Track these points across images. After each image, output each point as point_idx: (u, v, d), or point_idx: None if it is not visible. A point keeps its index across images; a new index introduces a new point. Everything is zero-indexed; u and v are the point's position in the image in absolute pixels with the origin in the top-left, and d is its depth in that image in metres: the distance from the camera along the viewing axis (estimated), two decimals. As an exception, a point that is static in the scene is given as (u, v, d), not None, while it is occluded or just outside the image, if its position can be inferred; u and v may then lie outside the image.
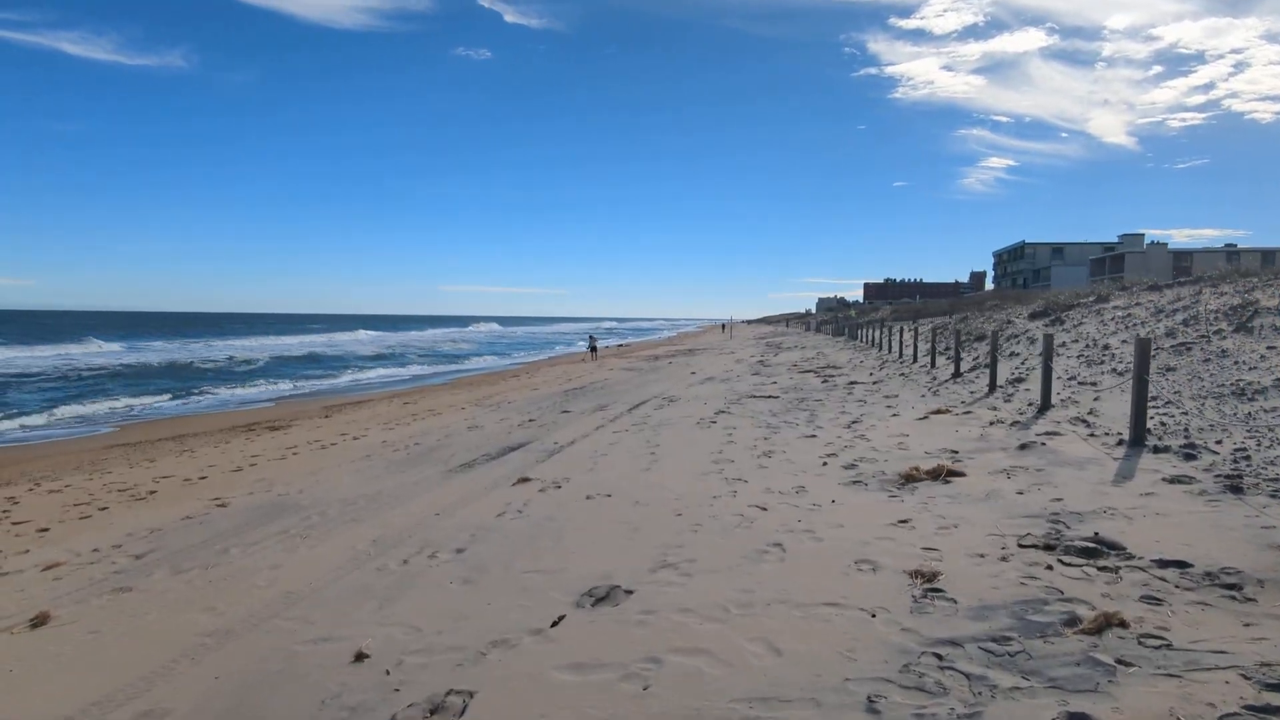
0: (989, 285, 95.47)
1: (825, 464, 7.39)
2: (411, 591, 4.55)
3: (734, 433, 9.83)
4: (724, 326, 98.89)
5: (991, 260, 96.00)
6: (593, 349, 38.74)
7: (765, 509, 5.77)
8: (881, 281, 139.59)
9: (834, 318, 69.41)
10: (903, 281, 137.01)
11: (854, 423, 9.87)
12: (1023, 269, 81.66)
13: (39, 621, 4.57)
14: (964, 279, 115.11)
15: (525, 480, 7.83)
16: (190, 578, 5.30)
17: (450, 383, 29.37)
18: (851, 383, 15.90)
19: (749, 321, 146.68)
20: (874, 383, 15.63)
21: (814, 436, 9.08)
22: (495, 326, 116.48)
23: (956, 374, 14.56)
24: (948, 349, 18.53)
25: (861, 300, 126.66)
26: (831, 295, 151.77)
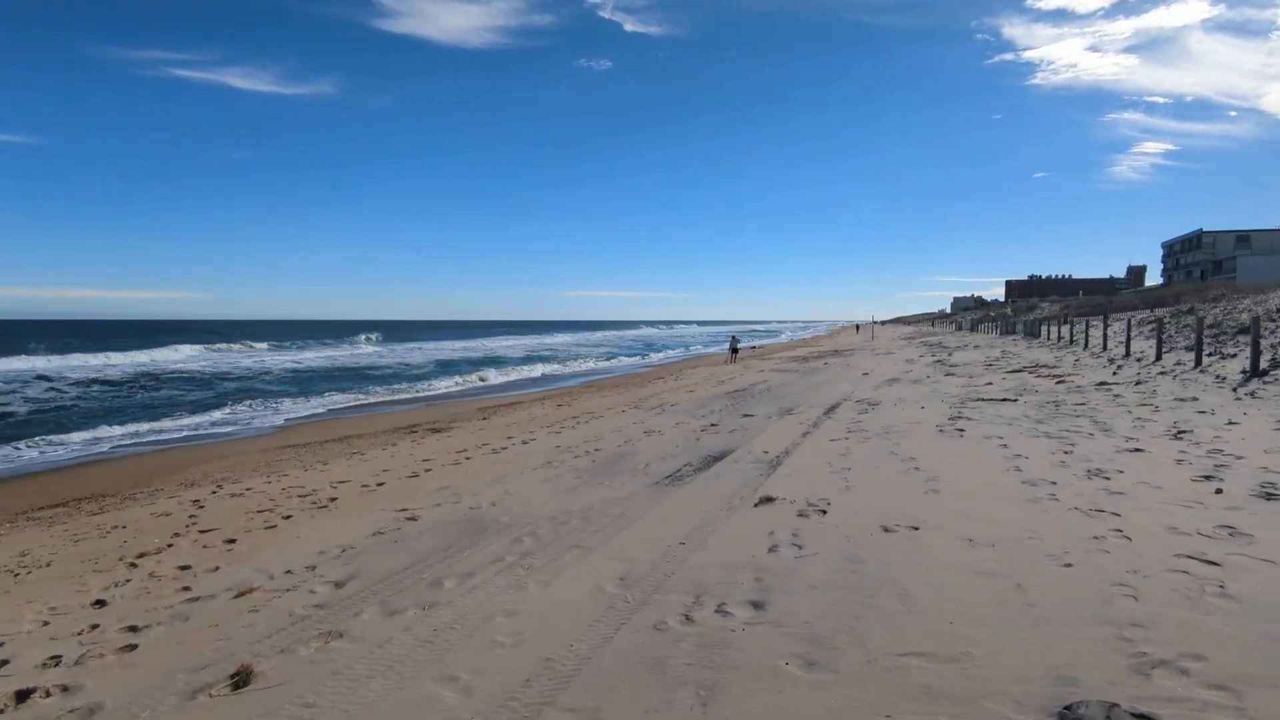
0: (1154, 280, 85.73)
1: (1219, 490, 5.45)
2: (732, 678, 3.17)
3: (1007, 443, 7.97)
4: (858, 327, 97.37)
5: (1160, 252, 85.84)
6: (734, 350, 37.83)
7: (1217, 564, 3.99)
8: (1025, 279, 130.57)
9: (990, 315, 65.37)
10: (1050, 278, 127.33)
11: (1180, 433, 7.74)
12: (1200, 260, 72.28)
13: (241, 679, 3.57)
14: (1119, 274, 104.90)
15: (769, 500, 6.40)
16: (408, 622, 4.20)
17: (590, 384, 28.68)
18: (1100, 384, 13.42)
19: (881, 323, 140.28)
20: (1135, 383, 13.08)
21: (1139, 450, 7.07)
22: (611, 333, 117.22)
23: (1257, 371, 11.81)
24: (1180, 344, 15.52)
25: (1004, 299, 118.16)
26: (968, 295, 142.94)
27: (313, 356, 46.54)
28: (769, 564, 4.63)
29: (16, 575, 6.04)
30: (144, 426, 17.06)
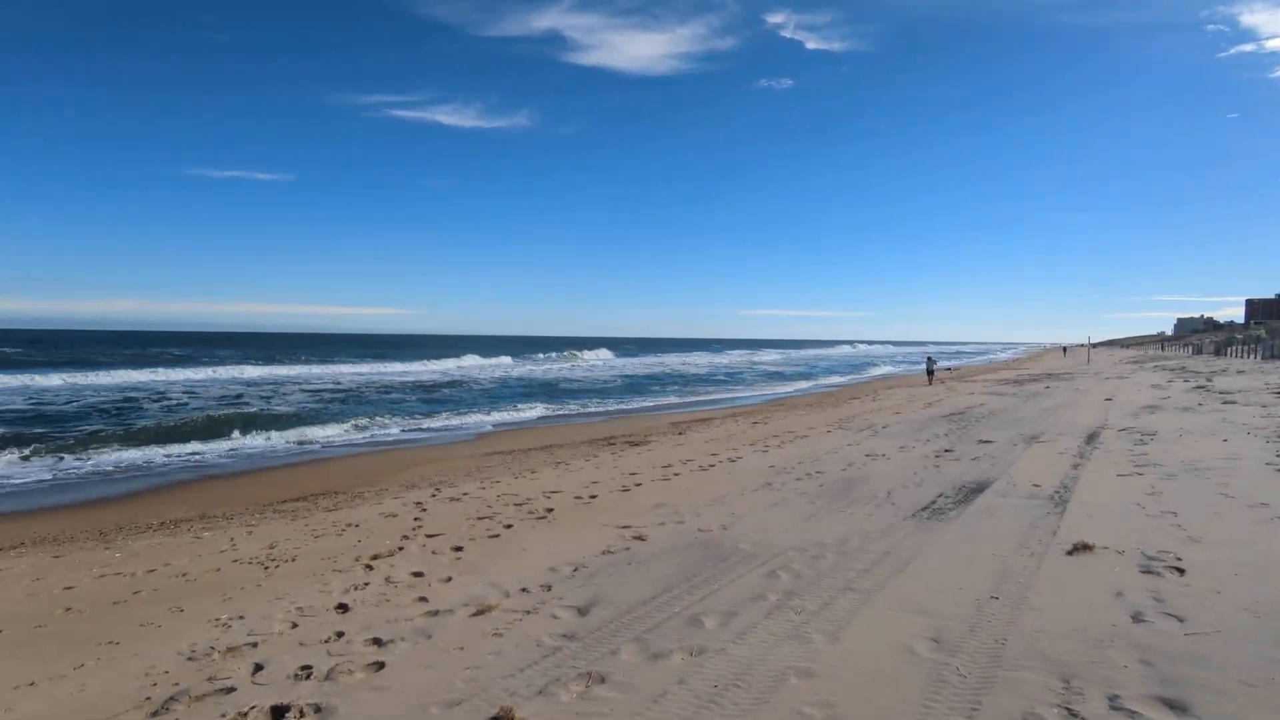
0: None
1: None
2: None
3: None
4: (1065, 350, 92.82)
5: None
6: (930, 371, 35.34)
7: None
8: (1272, 297, 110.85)
9: (1237, 337, 57.01)
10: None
11: None
12: None
13: (500, 726, 3.04)
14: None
15: (1085, 548, 5.14)
16: (679, 671, 3.52)
17: (778, 403, 27.44)
18: None
19: (1094, 345, 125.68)
20: None
21: None
22: (792, 352, 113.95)
23: None
24: None
25: (1245, 319, 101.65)
26: (1196, 315, 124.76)
27: (504, 366, 48.99)
28: (1148, 640, 3.48)
29: (266, 568, 6.11)
30: (361, 424, 18.23)
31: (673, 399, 28.83)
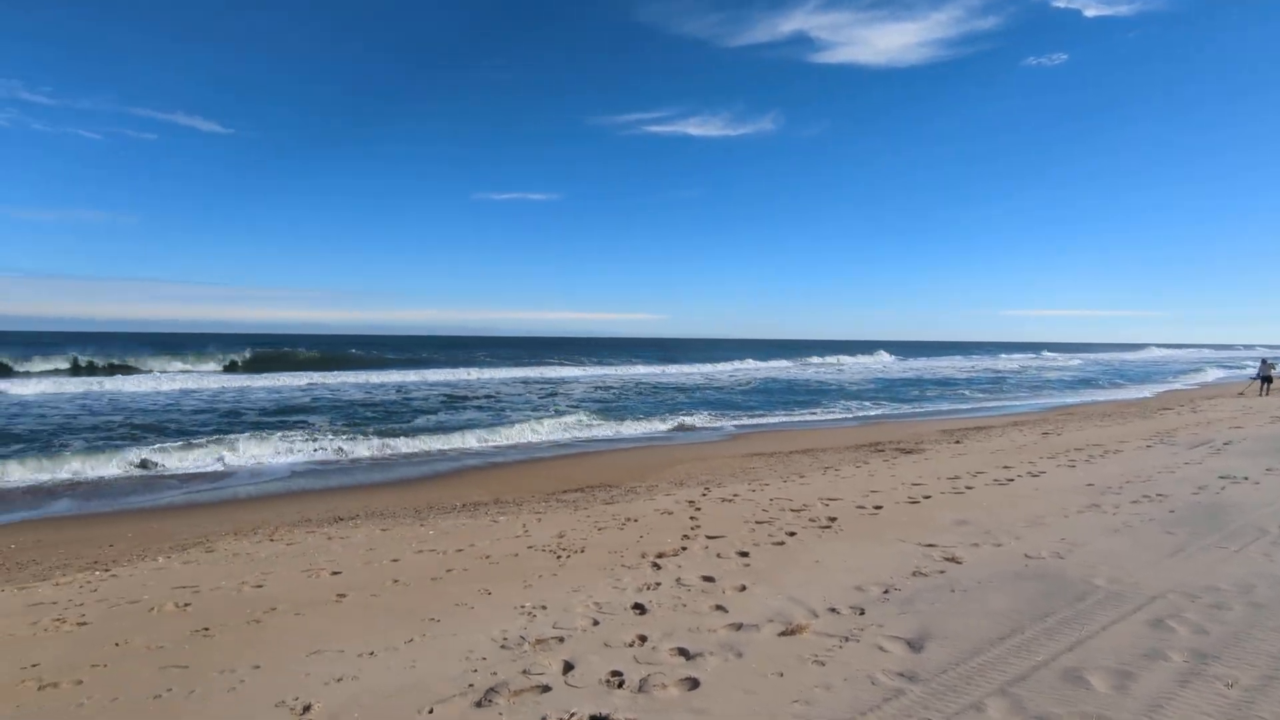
0: None
1: None
2: None
3: None
4: None
5: None
6: (1266, 379, 28.09)
7: None
8: None
9: None
10: None
11: None
12: None
13: (855, 785, 2.46)
14: None
15: None
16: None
17: (1066, 410, 23.82)
18: None
19: None
20: None
21: None
22: (1073, 356, 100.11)
23: None
24: None
25: None
26: None
27: (749, 369, 48.67)
28: None
29: (559, 557, 6.14)
30: (620, 424, 18.77)
31: (942, 405, 26.43)
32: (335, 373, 35.92)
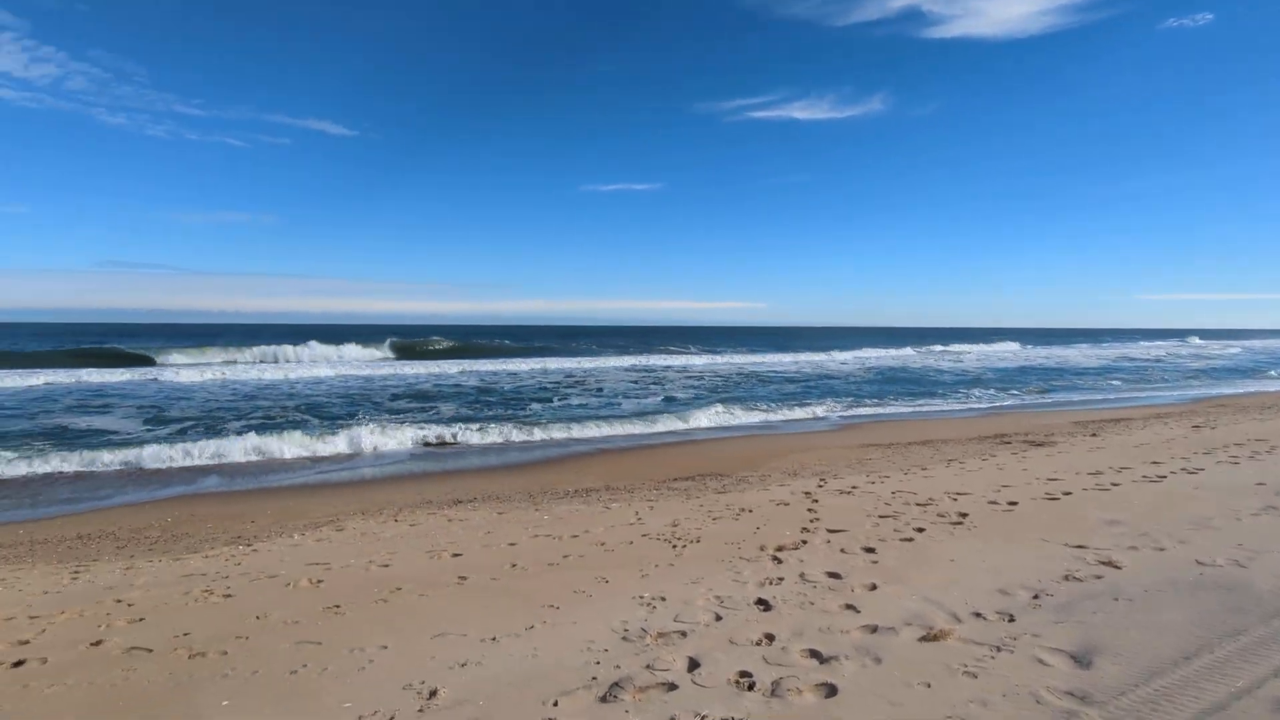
0: None
1: None
2: None
3: None
4: None
5: None
6: None
7: None
8: None
9: None
10: None
11: None
12: None
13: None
14: None
15: None
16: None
17: (1216, 403, 21.54)
18: None
19: None
20: None
21: None
22: (1203, 344, 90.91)
23: None
24: None
25: None
26: None
27: (846, 358, 46.99)
28: None
29: (674, 547, 5.97)
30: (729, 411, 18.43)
31: (1072, 395, 24.57)
32: (457, 361, 37.38)
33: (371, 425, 14.43)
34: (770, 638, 3.82)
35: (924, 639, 3.72)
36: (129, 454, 11.55)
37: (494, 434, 14.34)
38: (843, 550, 5.68)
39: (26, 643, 4.18)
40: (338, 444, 12.97)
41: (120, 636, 4.23)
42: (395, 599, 4.79)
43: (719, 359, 44.78)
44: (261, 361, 36.10)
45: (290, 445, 12.59)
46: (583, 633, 4.00)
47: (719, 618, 4.18)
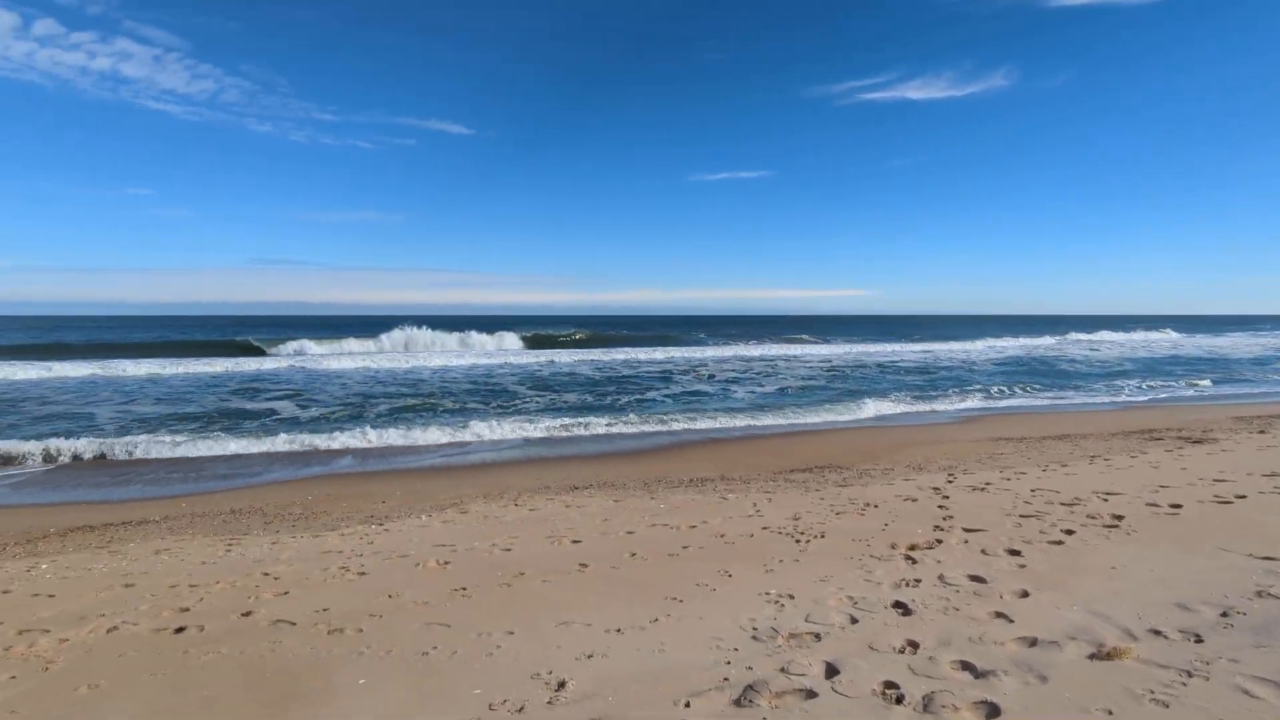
0: None
1: None
2: None
3: None
4: None
5: None
6: None
7: None
8: None
9: None
10: None
11: None
12: None
13: None
14: None
15: None
16: None
17: None
18: None
19: None
20: None
21: None
22: None
23: None
24: None
25: None
26: None
27: (980, 348, 44.29)
28: None
29: (798, 541, 5.68)
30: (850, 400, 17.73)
31: (1238, 389, 22.16)
32: (571, 351, 38.18)
33: (495, 412, 14.84)
34: (914, 645, 3.50)
35: (1094, 657, 3.30)
36: (277, 435, 12.36)
37: (609, 422, 14.40)
38: (983, 552, 5.22)
39: (187, 610, 4.43)
40: (462, 430, 13.38)
41: (267, 609, 4.41)
42: (519, 584, 4.77)
43: (836, 349, 43.39)
44: (395, 349, 38.06)
45: (417, 430, 13.11)
46: (709, 629, 3.82)
47: (854, 620, 3.89)
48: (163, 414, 15.20)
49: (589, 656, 3.50)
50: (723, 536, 5.95)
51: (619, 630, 3.83)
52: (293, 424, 13.99)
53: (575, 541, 5.92)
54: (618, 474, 9.75)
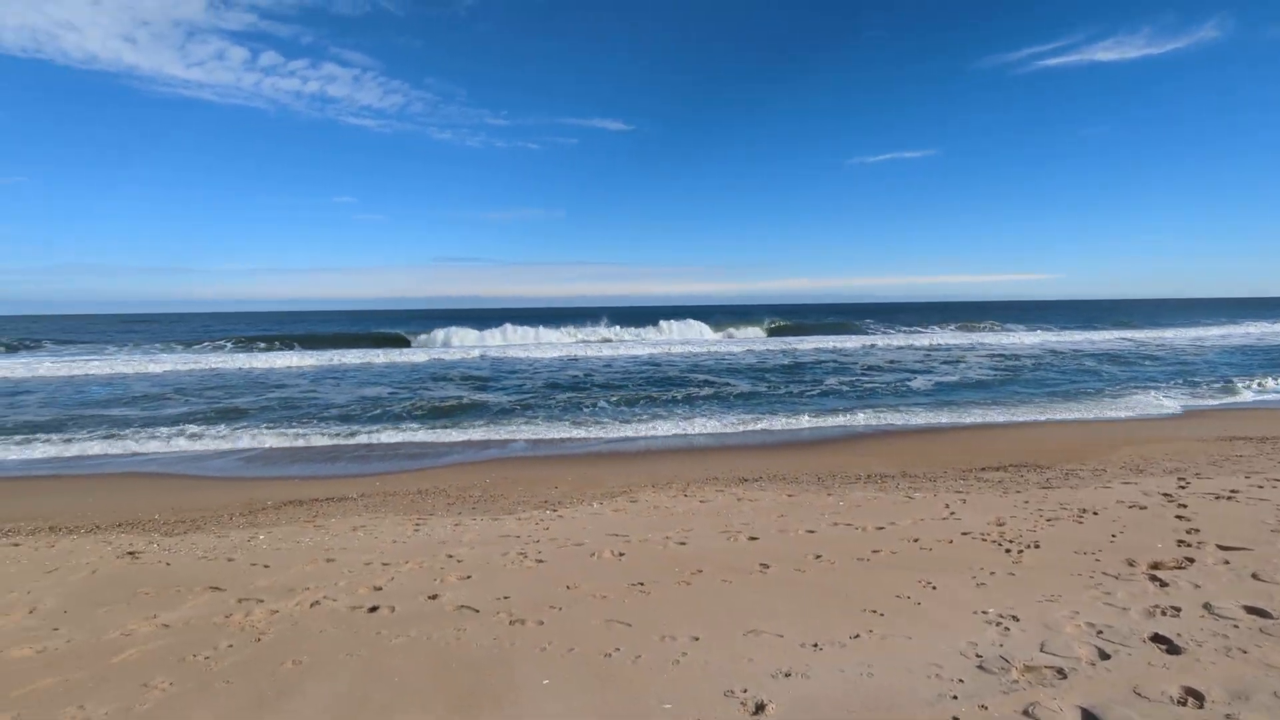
0: None
1: None
2: None
3: None
4: None
5: None
6: None
7: None
8: None
9: None
10: None
11: None
12: None
13: None
14: None
15: None
16: None
17: None
18: None
19: None
20: None
21: None
22: None
23: None
24: None
25: None
26: None
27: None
28: None
29: (1008, 551, 4.94)
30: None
31: None
32: (735, 342, 37.79)
33: (663, 402, 14.75)
34: (1196, 696, 2.79)
35: None
36: (464, 421, 12.98)
37: (775, 412, 13.84)
38: (1255, 576, 4.24)
39: (380, 589, 4.52)
40: (627, 421, 13.37)
41: (452, 592, 4.40)
42: (698, 582, 4.46)
43: (1024, 338, 39.71)
44: (565, 341, 39.50)
45: (582, 418, 13.25)
46: (923, 652, 3.29)
47: (1104, 654, 3.20)
48: (368, 398, 16.51)
49: (786, 675, 3.10)
50: (916, 541, 5.31)
51: (816, 646, 3.40)
52: (479, 410, 14.65)
53: (752, 538, 5.53)
54: (788, 466, 9.22)
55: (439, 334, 39.78)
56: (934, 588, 4.23)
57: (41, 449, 11.08)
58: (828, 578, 4.49)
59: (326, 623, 3.92)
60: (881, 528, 5.77)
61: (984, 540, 5.28)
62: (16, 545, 6.12)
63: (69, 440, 11.56)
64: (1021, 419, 12.93)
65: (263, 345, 35.20)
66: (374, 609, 4.12)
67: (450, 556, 5.28)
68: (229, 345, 35.24)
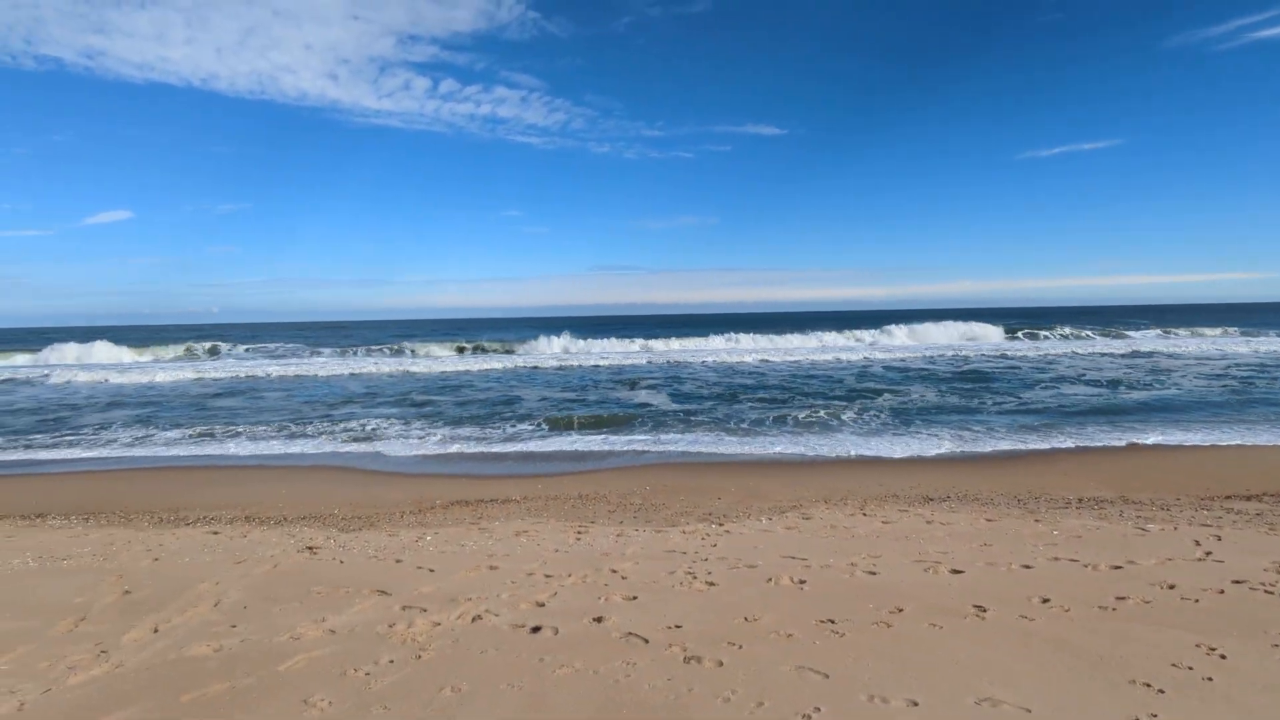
0: None
1: None
2: None
3: None
4: None
5: None
6: None
7: None
8: None
9: None
10: None
11: None
12: None
13: None
14: None
15: None
16: None
17: None
18: None
19: None
20: None
21: None
22: None
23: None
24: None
25: None
26: None
27: None
28: None
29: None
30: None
31: None
32: (886, 350, 35.67)
33: (836, 408, 13.85)
34: None
35: None
36: (623, 426, 12.80)
37: (963, 421, 12.50)
38: None
39: (543, 605, 4.17)
40: (800, 433, 12.60)
41: (618, 615, 3.96)
42: (900, 625, 3.72)
43: (1259, 345, 34.28)
44: (730, 346, 39.06)
45: (750, 427, 12.63)
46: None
47: None
48: (534, 399, 16.88)
49: (1049, 772, 2.34)
50: (1174, 588, 4.23)
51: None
52: (642, 414, 14.46)
53: (955, 571, 4.67)
54: (978, 484, 8.08)
55: (596, 343, 40.57)
56: (1223, 656, 3.24)
57: (264, 445, 12.13)
58: (1067, 630, 3.59)
59: (488, 642, 3.60)
60: (1119, 566, 4.70)
61: (1268, 593, 4.10)
62: (215, 534, 6.46)
63: (292, 436, 12.60)
64: (1266, 441, 10.72)
65: (442, 349, 37.51)
66: (536, 629, 3.77)
67: (614, 572, 4.87)
68: (409, 352, 37.87)
